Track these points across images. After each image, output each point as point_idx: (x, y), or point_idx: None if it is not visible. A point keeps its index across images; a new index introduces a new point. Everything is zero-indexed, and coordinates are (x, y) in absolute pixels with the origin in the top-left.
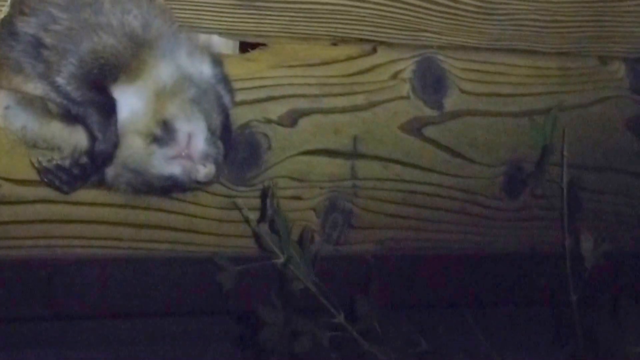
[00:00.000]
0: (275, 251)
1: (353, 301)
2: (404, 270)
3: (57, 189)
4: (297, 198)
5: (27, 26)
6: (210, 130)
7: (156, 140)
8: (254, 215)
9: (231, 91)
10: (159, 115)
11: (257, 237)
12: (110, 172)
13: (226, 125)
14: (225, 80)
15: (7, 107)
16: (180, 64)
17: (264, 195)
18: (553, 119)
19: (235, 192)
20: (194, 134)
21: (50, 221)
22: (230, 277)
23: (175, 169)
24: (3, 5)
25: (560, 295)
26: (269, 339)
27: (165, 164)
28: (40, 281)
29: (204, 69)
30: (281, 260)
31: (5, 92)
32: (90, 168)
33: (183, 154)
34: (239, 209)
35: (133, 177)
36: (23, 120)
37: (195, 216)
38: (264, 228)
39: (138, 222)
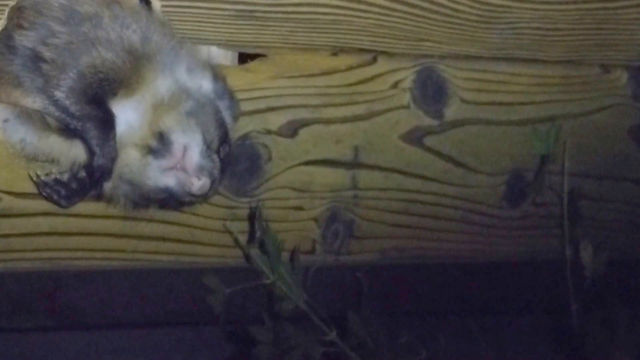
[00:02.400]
0: (266, 271)
1: (345, 317)
2: (405, 279)
3: (56, 203)
4: (299, 208)
5: (26, 40)
6: (206, 144)
7: (152, 151)
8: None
9: (232, 107)
10: (155, 127)
11: (247, 257)
12: (107, 184)
13: (224, 140)
14: (227, 96)
15: (5, 120)
16: (179, 78)
17: (252, 216)
18: (556, 128)
19: (237, 204)
20: (190, 147)
21: (52, 234)
22: (220, 299)
23: (170, 180)
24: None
25: (560, 304)
26: (261, 357)
27: (160, 175)
28: (43, 293)
29: (204, 84)
30: (271, 280)
31: (4, 105)
32: (89, 182)
33: (178, 165)
34: (230, 232)
35: (130, 190)
36: (22, 134)
37: (197, 227)
38: (254, 249)
39: (140, 234)
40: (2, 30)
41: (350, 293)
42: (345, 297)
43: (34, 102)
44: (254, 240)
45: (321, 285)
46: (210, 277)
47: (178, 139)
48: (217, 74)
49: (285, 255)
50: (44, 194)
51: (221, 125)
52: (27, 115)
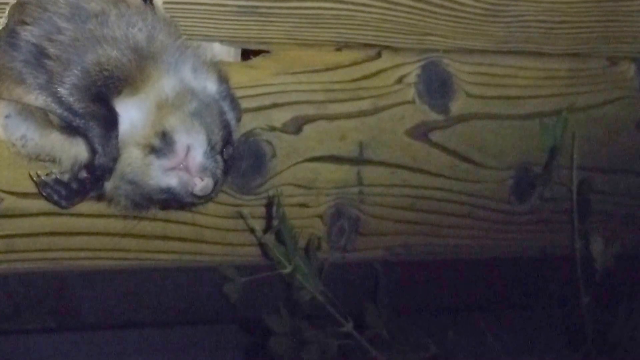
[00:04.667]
0: (282, 261)
1: (362, 309)
2: (413, 276)
3: (56, 203)
4: (303, 205)
5: (30, 35)
6: (210, 145)
7: (154, 151)
8: (260, 225)
9: (236, 109)
10: (159, 127)
11: (263, 247)
12: (109, 184)
13: (228, 142)
14: (230, 98)
15: (7, 116)
16: (184, 77)
17: (270, 204)
18: (563, 121)
19: (241, 201)
20: (193, 147)
21: (56, 234)
22: (236, 288)
23: (172, 180)
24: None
25: (571, 298)
26: (277, 348)
27: (163, 175)
28: (47, 294)
29: (209, 85)
30: (288, 270)
31: (5, 101)
32: (90, 183)
33: (181, 166)
34: (244, 219)
35: (131, 190)
36: (23, 130)
37: (202, 226)
38: (270, 238)
39: (144, 233)
40: (5, 27)
41: (356, 290)
42: (352, 294)
43: (37, 99)
44: (271, 229)
45: (328, 283)
46: (226, 267)
47: (181, 139)
48: (222, 75)
49: None
50: (44, 193)
51: (225, 126)
52: (29, 112)
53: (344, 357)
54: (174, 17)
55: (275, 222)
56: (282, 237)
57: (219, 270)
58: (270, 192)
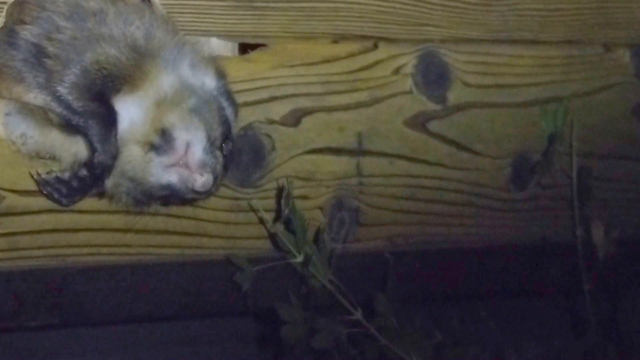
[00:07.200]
0: (292, 251)
1: (371, 298)
2: (413, 265)
3: (56, 201)
4: (304, 197)
5: (29, 35)
6: (210, 141)
7: (154, 148)
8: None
9: (233, 105)
10: (158, 124)
11: (272, 237)
12: (109, 181)
13: (227, 137)
14: (228, 93)
15: (7, 114)
16: (182, 74)
17: (280, 192)
18: (565, 108)
19: (241, 195)
20: (193, 143)
21: (58, 230)
22: (248, 277)
23: (172, 177)
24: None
25: (572, 285)
26: (288, 337)
27: (163, 172)
28: (50, 290)
29: (207, 81)
30: (299, 259)
31: (6, 99)
32: (90, 181)
33: (181, 162)
34: (255, 210)
35: (132, 187)
36: (23, 129)
37: (203, 220)
38: (280, 228)
39: (146, 228)
40: (3, 26)
41: (362, 279)
42: (358, 283)
43: (36, 97)
44: (281, 218)
45: (335, 272)
46: (236, 256)
47: (181, 136)
48: (220, 70)
49: None
50: (44, 192)
51: (224, 122)
52: (29, 110)
53: (354, 345)
54: (171, 13)
55: (286, 211)
56: (291, 226)
57: (223, 263)
58: (280, 182)
